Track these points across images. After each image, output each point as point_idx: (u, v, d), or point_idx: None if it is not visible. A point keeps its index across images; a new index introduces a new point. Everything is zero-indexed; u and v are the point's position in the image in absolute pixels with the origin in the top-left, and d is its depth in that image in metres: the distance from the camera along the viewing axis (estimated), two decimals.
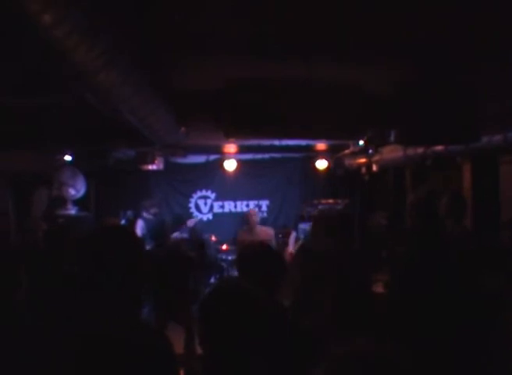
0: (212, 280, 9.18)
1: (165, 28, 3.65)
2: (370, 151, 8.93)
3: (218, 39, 3.81)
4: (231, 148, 10.27)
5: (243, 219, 9.72)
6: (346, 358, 1.43)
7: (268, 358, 2.63)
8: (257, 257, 3.05)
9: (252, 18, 3.41)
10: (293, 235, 9.23)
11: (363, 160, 9.44)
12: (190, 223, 9.96)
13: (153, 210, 9.83)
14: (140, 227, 9.48)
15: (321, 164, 10.89)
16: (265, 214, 11.75)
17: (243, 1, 3.13)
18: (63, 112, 5.74)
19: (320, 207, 10.59)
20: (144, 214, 9.82)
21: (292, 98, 5.45)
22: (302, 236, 9.06)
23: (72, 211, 9.59)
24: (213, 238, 10.47)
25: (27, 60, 3.70)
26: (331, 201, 10.92)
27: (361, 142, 8.10)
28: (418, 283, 4.42)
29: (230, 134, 6.50)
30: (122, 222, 9.80)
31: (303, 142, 9.43)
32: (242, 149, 10.30)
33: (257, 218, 9.06)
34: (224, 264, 9.63)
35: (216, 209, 11.78)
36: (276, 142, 9.09)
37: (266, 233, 8.89)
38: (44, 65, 3.64)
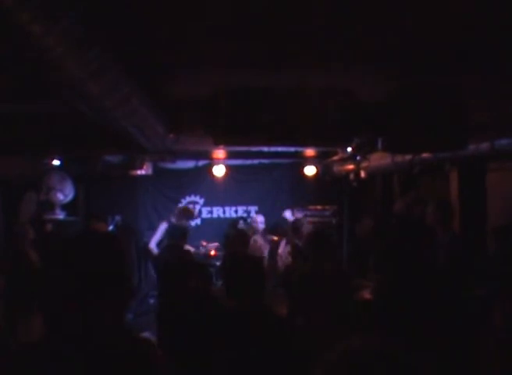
0: None
1: (156, 35, 3.67)
2: (358, 157, 8.98)
3: (209, 48, 3.83)
4: (220, 153, 10.28)
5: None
6: (344, 355, 1.45)
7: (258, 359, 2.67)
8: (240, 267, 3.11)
9: (242, 28, 3.43)
10: (284, 241, 9.28)
11: (351, 167, 9.48)
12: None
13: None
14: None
15: (310, 170, 10.91)
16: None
17: (234, 13, 3.15)
18: (52, 117, 5.73)
19: (308, 213, 10.63)
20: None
21: (281, 106, 5.46)
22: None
23: (60, 215, 9.57)
24: (204, 244, 10.49)
25: (16, 67, 3.70)
26: (319, 207, 10.96)
27: (349, 149, 8.14)
28: (404, 290, 4.45)
29: (220, 141, 6.50)
30: (110, 227, 9.78)
31: (291, 148, 9.46)
32: (231, 155, 10.30)
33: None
34: (212, 269, 9.64)
35: (205, 215, 11.79)
36: (265, 148, 9.11)
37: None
38: (32, 72, 3.64)
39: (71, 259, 2.24)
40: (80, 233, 2.46)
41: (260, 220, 9.76)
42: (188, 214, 10.04)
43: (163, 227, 9.68)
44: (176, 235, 8.05)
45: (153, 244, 9.58)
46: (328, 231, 8.26)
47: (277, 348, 2.88)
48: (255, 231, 9.72)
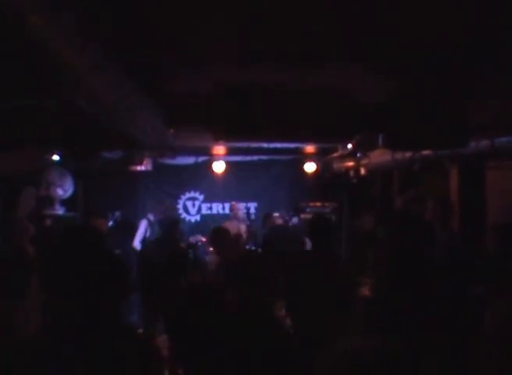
0: None
1: (156, 31, 3.66)
2: (358, 154, 8.97)
3: (209, 45, 3.83)
4: (220, 149, 10.25)
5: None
6: (345, 355, 1.45)
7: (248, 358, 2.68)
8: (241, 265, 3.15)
9: (241, 26, 3.43)
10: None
11: (351, 163, 9.46)
12: None
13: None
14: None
15: (310, 167, 10.88)
16: (253, 216, 11.76)
17: (232, 12, 3.15)
18: (51, 112, 5.73)
19: (308, 210, 10.62)
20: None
21: (281, 104, 5.47)
22: None
23: (59, 211, 9.54)
24: (203, 239, 10.47)
25: (15, 63, 3.70)
26: (319, 204, 10.94)
27: (350, 146, 8.14)
28: (403, 287, 4.46)
29: (220, 137, 6.51)
30: (110, 223, 9.75)
31: (292, 145, 9.44)
32: (231, 151, 10.29)
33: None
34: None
35: (204, 211, 11.79)
36: (265, 144, 9.10)
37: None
38: (32, 67, 3.64)
39: (69, 257, 2.25)
40: (77, 230, 2.46)
41: (239, 207, 10.18)
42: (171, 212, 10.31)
43: (144, 225, 9.78)
44: (167, 228, 7.96)
45: (136, 243, 9.62)
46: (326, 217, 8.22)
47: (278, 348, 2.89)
48: (239, 219, 10.10)
